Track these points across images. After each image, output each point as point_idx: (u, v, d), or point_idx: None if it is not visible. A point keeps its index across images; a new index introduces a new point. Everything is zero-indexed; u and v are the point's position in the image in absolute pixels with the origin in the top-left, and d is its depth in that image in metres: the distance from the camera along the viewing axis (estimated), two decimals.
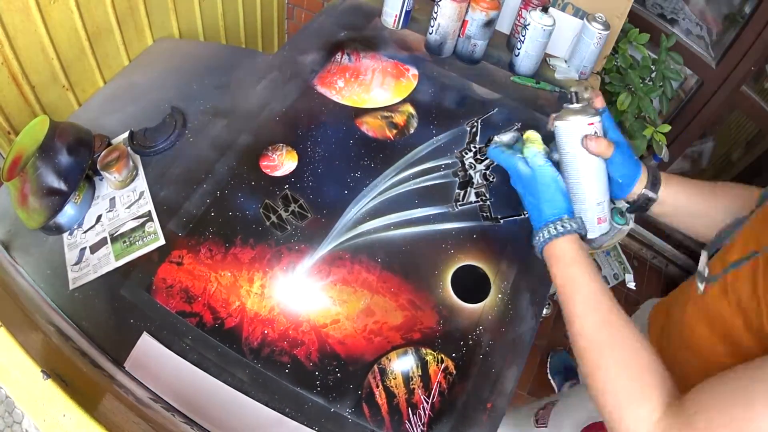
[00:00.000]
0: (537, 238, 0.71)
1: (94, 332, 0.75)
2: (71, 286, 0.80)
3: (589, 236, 0.74)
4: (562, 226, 0.69)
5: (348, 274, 0.84)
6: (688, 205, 0.75)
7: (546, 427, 1.17)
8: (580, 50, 1.20)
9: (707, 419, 0.49)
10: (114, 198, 0.90)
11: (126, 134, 0.98)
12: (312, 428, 0.73)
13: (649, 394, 0.55)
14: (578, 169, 0.73)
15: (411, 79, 1.15)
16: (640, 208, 0.76)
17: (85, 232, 0.87)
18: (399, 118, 1.06)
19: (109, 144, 0.95)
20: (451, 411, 0.75)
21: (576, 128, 0.72)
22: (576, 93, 0.73)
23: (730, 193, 0.73)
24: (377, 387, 0.76)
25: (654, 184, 0.74)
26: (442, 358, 0.79)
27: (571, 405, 1.12)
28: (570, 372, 1.67)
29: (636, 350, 0.59)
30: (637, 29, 1.33)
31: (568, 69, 1.25)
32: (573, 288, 0.65)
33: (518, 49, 1.18)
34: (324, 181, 0.94)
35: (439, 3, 1.12)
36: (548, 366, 1.72)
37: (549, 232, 0.69)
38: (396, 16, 1.23)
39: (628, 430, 0.54)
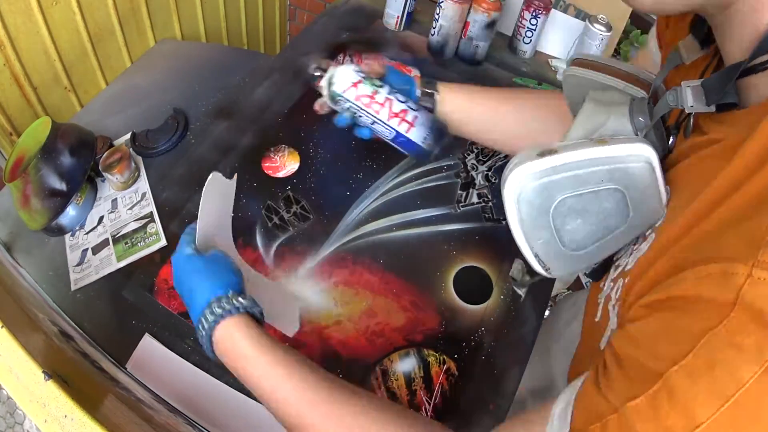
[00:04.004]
0: (199, 330, 0.52)
1: (96, 333, 0.75)
2: (73, 287, 0.80)
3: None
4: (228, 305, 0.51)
5: (350, 276, 0.84)
6: (471, 106, 0.69)
7: None
8: (582, 52, 1.20)
9: None
10: (116, 199, 0.90)
11: (128, 135, 0.98)
12: None
13: None
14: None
15: None
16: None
17: (87, 233, 0.87)
18: None
19: (111, 145, 0.95)
20: (454, 412, 0.75)
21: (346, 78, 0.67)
22: (318, 67, 0.69)
23: (528, 103, 0.68)
24: (379, 388, 0.76)
25: (429, 84, 0.69)
26: (444, 359, 0.78)
27: None
28: None
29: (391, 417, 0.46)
30: (639, 30, 1.33)
31: None
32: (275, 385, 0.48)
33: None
34: (326, 182, 0.94)
35: (441, 4, 1.12)
36: None
37: (213, 312, 0.50)
38: (398, 18, 1.23)
39: None
